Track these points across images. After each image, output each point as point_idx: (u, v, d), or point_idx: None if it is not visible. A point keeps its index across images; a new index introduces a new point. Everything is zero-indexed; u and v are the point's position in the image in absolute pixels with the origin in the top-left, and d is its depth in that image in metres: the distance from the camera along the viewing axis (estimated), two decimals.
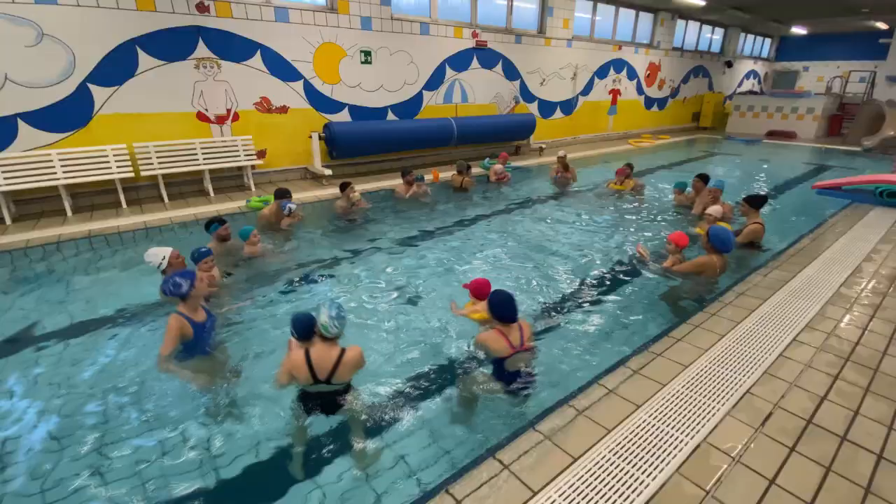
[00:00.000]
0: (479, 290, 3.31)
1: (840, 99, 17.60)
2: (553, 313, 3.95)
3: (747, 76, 21.22)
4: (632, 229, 6.20)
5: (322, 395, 2.48)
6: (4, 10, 5.60)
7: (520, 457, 2.23)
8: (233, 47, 7.32)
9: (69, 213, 6.33)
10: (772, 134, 16.41)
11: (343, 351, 2.43)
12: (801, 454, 2.27)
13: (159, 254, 3.78)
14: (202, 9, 6.91)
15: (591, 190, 8.30)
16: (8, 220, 5.99)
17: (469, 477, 2.12)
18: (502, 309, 2.70)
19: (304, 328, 2.45)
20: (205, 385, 2.87)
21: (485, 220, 6.61)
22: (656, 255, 4.85)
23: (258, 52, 7.56)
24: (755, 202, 5.22)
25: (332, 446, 2.48)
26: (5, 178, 5.86)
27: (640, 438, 2.35)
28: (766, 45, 22.08)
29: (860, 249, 5.17)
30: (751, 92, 19.09)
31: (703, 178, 6.75)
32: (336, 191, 7.66)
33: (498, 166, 8.71)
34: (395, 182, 8.21)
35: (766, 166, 11.39)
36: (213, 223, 4.72)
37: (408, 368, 3.16)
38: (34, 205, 6.40)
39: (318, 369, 2.38)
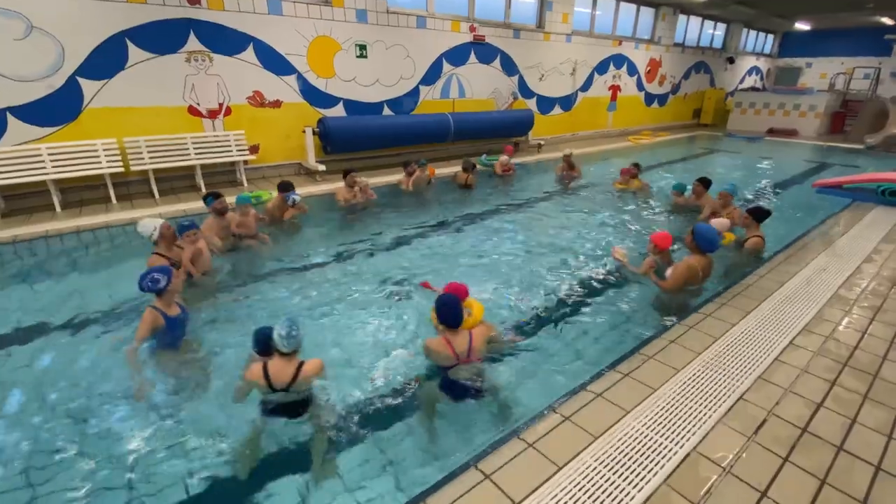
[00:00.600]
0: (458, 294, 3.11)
1: (843, 96, 17.42)
2: (543, 314, 3.86)
3: (749, 72, 21.02)
4: (630, 230, 6.07)
5: (284, 402, 2.46)
6: None
7: (502, 466, 2.14)
8: (225, 40, 7.20)
9: (58, 208, 6.24)
10: (773, 131, 16.25)
11: (301, 364, 2.43)
12: (795, 465, 2.19)
13: (151, 225, 3.85)
14: (193, 0, 6.78)
15: (594, 188, 8.18)
16: None
17: (449, 487, 2.04)
18: (445, 313, 2.57)
19: (261, 344, 2.47)
20: (145, 394, 2.85)
21: (485, 219, 6.50)
22: (640, 258, 4.69)
23: (251, 45, 7.44)
24: (759, 215, 4.95)
25: (301, 454, 2.41)
26: None
27: (627, 446, 2.26)
28: (768, 41, 21.86)
29: (861, 249, 5.07)
30: (752, 88, 18.91)
31: (704, 183, 6.50)
32: (331, 186, 7.63)
33: (504, 157, 8.74)
34: (391, 178, 8.15)
35: (766, 164, 11.26)
36: (210, 196, 4.88)
37: (390, 372, 3.07)
38: (24, 200, 6.30)
39: (275, 382, 2.39)
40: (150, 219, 3.90)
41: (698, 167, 10.63)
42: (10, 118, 5.91)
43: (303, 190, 7.42)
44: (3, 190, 6.05)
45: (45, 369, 3.14)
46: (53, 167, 6.13)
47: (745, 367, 2.92)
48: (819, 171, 10.23)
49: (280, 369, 2.40)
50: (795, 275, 4.38)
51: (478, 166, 8.47)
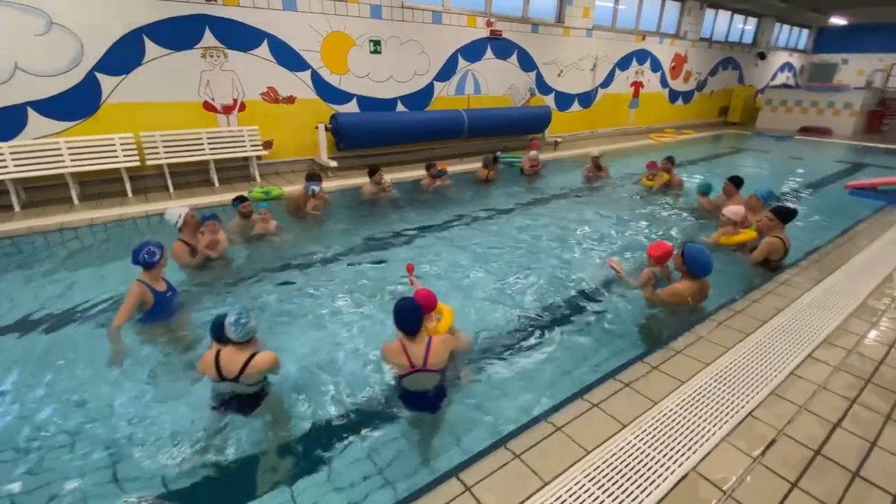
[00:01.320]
0: (424, 303, 2.74)
1: (881, 93, 16.57)
2: (545, 317, 3.72)
3: (781, 69, 20.20)
4: (647, 234, 5.75)
5: (236, 394, 2.45)
6: None
7: (485, 478, 2.03)
8: (240, 36, 7.24)
9: (76, 200, 6.38)
10: (805, 130, 15.58)
11: (253, 355, 2.40)
12: (804, 491, 2.02)
13: (176, 212, 4.22)
14: None
15: (617, 187, 7.93)
16: (17, 207, 6.05)
17: (427, 498, 1.95)
18: (400, 319, 2.43)
19: (215, 330, 2.47)
20: (118, 365, 2.98)
21: (499, 220, 6.37)
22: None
23: (265, 41, 7.46)
24: (784, 215, 4.42)
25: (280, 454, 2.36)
26: (15, 166, 5.93)
27: (621, 463, 2.13)
28: (802, 36, 20.96)
29: (893, 256, 4.75)
30: (784, 85, 18.17)
31: (735, 182, 5.85)
32: (343, 182, 7.64)
33: (533, 152, 8.62)
34: (403, 175, 8.11)
35: (796, 164, 10.78)
36: (236, 200, 5.31)
37: (372, 371, 2.99)
38: (43, 192, 6.46)
39: (224, 370, 2.37)
40: (175, 207, 4.26)
41: (723, 167, 10.24)
42: (31, 112, 6.06)
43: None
44: (23, 182, 6.21)
45: (45, 355, 3.19)
46: (72, 161, 6.27)
47: (757, 381, 2.74)
48: (853, 172, 9.73)
49: (230, 358, 2.38)
50: (820, 282, 4.12)
51: (500, 161, 8.38)
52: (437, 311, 2.81)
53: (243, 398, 2.45)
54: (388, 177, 8.01)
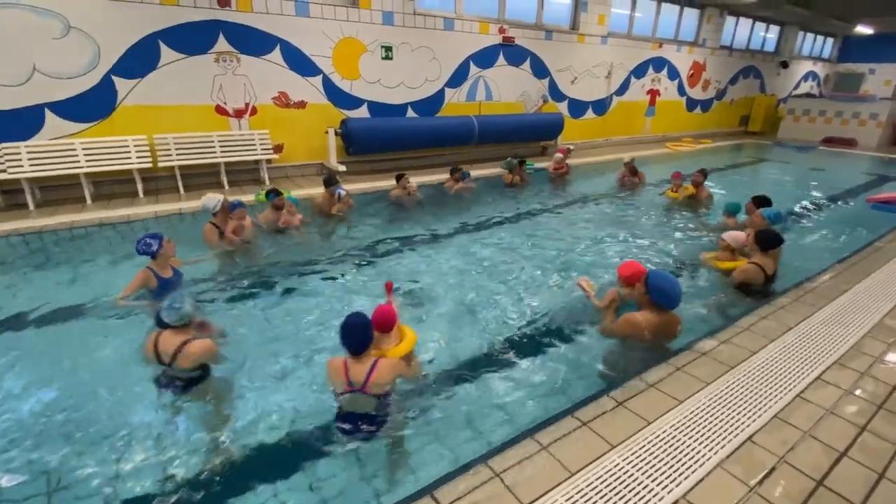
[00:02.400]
0: (380, 320, 2.56)
1: None
2: (534, 330, 3.60)
3: (805, 78, 19.71)
4: (652, 252, 5.46)
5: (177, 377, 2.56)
6: (33, 2, 5.77)
7: (460, 497, 1.95)
8: (252, 41, 7.33)
9: (88, 200, 6.50)
10: (829, 141, 15.13)
11: (187, 342, 2.48)
12: None
13: (215, 199, 4.70)
14: (223, 2, 6.93)
15: (640, 196, 7.79)
16: (31, 206, 6.19)
17: None
18: (343, 336, 2.28)
19: (156, 316, 2.57)
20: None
21: (505, 224, 6.34)
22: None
23: (278, 46, 7.54)
24: (764, 243, 4.03)
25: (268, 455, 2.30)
26: (31, 165, 6.07)
27: (606, 486, 2.02)
28: (827, 45, 20.44)
29: None
30: (808, 95, 17.71)
31: (757, 202, 5.27)
32: (351, 187, 7.67)
33: (559, 155, 8.69)
34: (414, 180, 8.07)
35: (818, 175, 10.44)
36: (270, 193, 5.66)
37: None
38: (58, 191, 6.60)
39: (161, 353, 2.49)
40: (213, 194, 4.77)
41: (742, 178, 10.01)
42: (48, 113, 6.21)
43: (322, 190, 7.46)
44: (39, 182, 6.35)
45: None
46: (87, 161, 6.40)
47: (760, 403, 2.60)
48: (877, 186, 9.39)
49: (166, 341, 2.48)
50: (835, 298, 3.93)
51: (526, 164, 8.52)
52: (400, 334, 2.67)
53: (184, 381, 2.55)
54: (393, 182, 8.04)
